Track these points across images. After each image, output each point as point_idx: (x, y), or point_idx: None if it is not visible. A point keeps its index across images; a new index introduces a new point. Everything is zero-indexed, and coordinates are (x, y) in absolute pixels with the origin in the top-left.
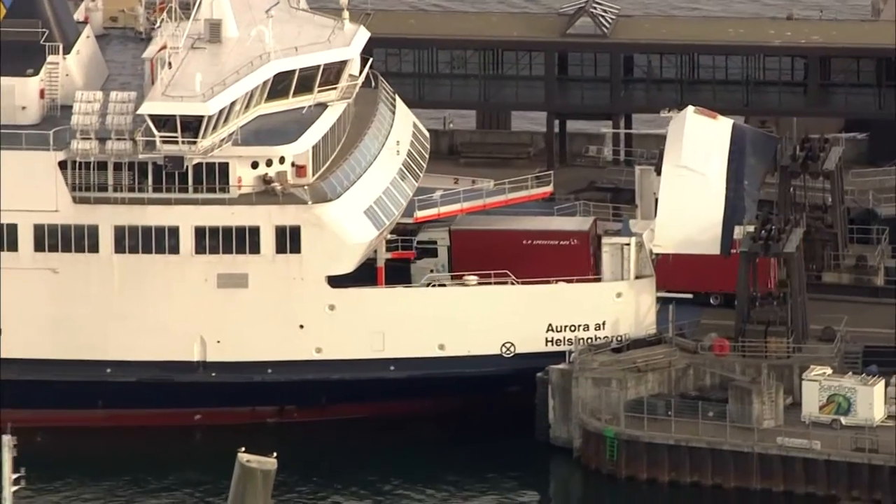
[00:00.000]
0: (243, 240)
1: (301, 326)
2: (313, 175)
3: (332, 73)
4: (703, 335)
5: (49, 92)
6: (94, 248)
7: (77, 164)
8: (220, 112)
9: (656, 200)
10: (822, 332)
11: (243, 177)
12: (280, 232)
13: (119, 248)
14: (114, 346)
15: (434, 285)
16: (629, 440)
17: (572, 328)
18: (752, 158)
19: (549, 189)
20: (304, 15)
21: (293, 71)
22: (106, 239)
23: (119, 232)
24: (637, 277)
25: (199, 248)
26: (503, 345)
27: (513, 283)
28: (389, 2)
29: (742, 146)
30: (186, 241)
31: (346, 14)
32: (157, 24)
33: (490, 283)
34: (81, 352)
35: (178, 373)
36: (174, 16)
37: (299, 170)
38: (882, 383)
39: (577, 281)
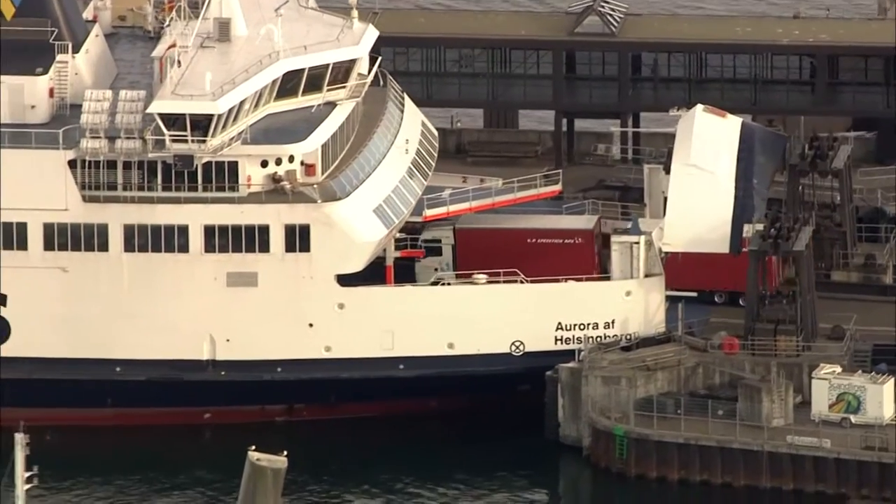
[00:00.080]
0: (253, 238)
1: (310, 325)
2: (322, 174)
3: (341, 71)
4: (713, 333)
5: (58, 91)
6: (103, 246)
7: (86, 163)
8: (230, 111)
9: (665, 199)
10: (832, 330)
11: (253, 175)
12: (289, 231)
13: (128, 246)
14: (123, 345)
15: (444, 284)
16: (639, 439)
17: (581, 327)
18: (762, 157)
19: (557, 188)
20: (312, 14)
21: (302, 70)
22: (115, 238)
23: (128, 231)
24: (646, 276)
25: (209, 247)
26: (512, 343)
27: (522, 282)
28: (396, 1)
29: (751, 145)
30: (196, 239)
31: (354, 13)
32: (167, 22)
33: (499, 282)
34: (91, 350)
35: (188, 371)
36: (183, 14)
37: (308, 168)
38: (891, 382)
39: (587, 280)
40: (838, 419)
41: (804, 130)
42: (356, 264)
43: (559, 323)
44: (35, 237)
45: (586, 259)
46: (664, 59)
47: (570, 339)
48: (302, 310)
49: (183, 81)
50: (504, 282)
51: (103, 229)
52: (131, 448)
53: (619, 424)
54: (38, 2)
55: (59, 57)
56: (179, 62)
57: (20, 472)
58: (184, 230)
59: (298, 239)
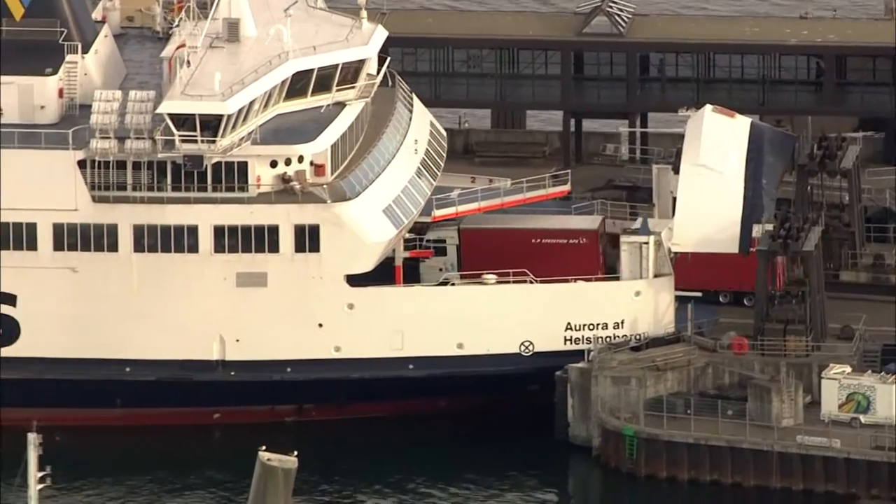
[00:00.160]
0: (262, 239)
1: (320, 325)
2: (332, 174)
3: (351, 72)
4: (722, 334)
5: (68, 91)
6: (113, 247)
7: (96, 164)
8: (240, 111)
9: (673, 199)
10: (841, 330)
11: (262, 176)
12: (299, 231)
13: (138, 247)
14: (133, 345)
15: (453, 284)
16: (648, 439)
17: (591, 327)
18: (771, 157)
19: (566, 188)
20: (321, 14)
21: (311, 70)
22: (125, 238)
23: (138, 231)
24: (656, 276)
25: (219, 247)
26: (522, 343)
27: (531, 282)
28: (403, 2)
29: (760, 145)
30: (205, 240)
31: (363, 13)
32: (176, 23)
33: (509, 282)
34: (100, 351)
35: (197, 372)
36: (192, 15)
37: (318, 169)
38: None
39: (596, 280)
40: (848, 419)
41: (811, 130)
42: (366, 264)
43: (569, 323)
44: (45, 237)
45: (591, 259)
46: (672, 59)
47: (579, 340)
48: (311, 310)
49: (192, 82)
50: (513, 282)
51: (113, 229)
52: (141, 448)
53: (628, 424)
54: (47, 2)
55: (68, 57)
56: (189, 62)
57: (33, 472)
58: (193, 230)
59: (308, 239)
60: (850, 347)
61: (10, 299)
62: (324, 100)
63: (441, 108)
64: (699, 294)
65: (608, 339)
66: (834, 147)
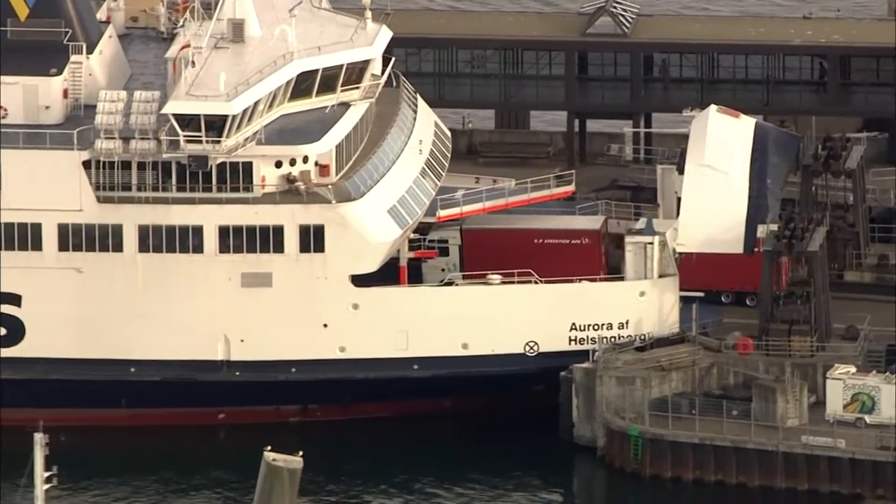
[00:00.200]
0: (267, 239)
1: (325, 325)
2: (337, 174)
3: (355, 72)
4: (727, 334)
5: (72, 91)
6: (118, 247)
7: (101, 164)
8: (244, 111)
9: (678, 199)
10: (846, 330)
11: (267, 176)
12: (304, 231)
13: (143, 247)
14: (138, 346)
15: (455, 284)
16: (653, 439)
17: (596, 327)
18: (775, 157)
19: (571, 188)
20: (326, 14)
21: (316, 70)
22: (130, 238)
23: (143, 231)
24: (660, 276)
25: (223, 248)
26: (527, 344)
27: (536, 283)
28: (406, 2)
29: (765, 145)
30: (210, 240)
31: (368, 14)
32: (181, 23)
33: (513, 283)
34: (105, 351)
35: (202, 372)
36: (197, 15)
37: (323, 169)
38: None
39: (601, 280)
40: (853, 419)
41: (815, 131)
42: (370, 265)
43: (573, 323)
44: (49, 238)
45: (593, 259)
46: (676, 59)
47: (584, 340)
48: (316, 310)
49: (197, 82)
50: (518, 282)
51: (118, 230)
52: (146, 448)
53: (633, 425)
54: (51, 2)
55: (73, 58)
56: (193, 63)
57: (39, 472)
58: (198, 231)
59: (313, 239)
60: (854, 348)
61: (15, 299)
62: (328, 100)
63: (445, 109)
64: (702, 294)
65: (613, 340)
66: (838, 147)
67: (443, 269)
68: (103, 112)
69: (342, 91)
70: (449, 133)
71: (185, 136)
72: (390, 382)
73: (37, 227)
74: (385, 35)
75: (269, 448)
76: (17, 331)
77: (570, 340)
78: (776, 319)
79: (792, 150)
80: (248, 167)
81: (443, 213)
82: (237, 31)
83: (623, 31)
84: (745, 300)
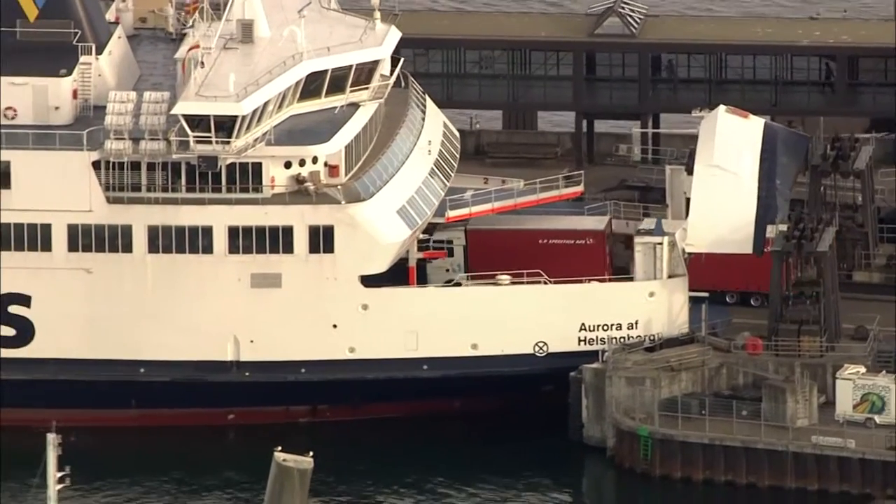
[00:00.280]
0: (276, 240)
1: (334, 326)
2: (346, 175)
3: (364, 73)
4: (736, 334)
5: (82, 92)
6: (127, 248)
7: (111, 165)
8: (254, 112)
9: (687, 200)
10: (855, 330)
11: (276, 177)
12: (313, 232)
13: (152, 247)
14: (147, 346)
15: (459, 284)
16: (663, 439)
17: (605, 327)
18: (784, 157)
19: (579, 189)
20: (335, 15)
21: (325, 71)
22: (139, 239)
23: (153, 232)
24: (669, 277)
25: (233, 248)
26: (536, 344)
27: (545, 283)
28: (411, 4)
29: (774, 145)
30: (220, 240)
31: (377, 14)
32: (190, 23)
33: (523, 283)
34: (115, 351)
35: (212, 372)
36: (206, 16)
37: (332, 170)
38: None
39: (610, 280)
40: (862, 419)
41: (822, 131)
42: (380, 265)
43: (583, 324)
44: (59, 238)
45: (598, 259)
46: (684, 60)
47: (593, 340)
48: (326, 311)
49: (207, 83)
50: (528, 283)
51: (127, 230)
52: (156, 449)
53: (643, 425)
54: (61, 3)
55: (82, 58)
56: (203, 63)
57: (52, 473)
58: (208, 231)
59: (322, 240)
60: (864, 348)
61: (25, 300)
62: (338, 101)
63: (453, 110)
64: (706, 295)
65: (622, 340)
66: (847, 148)
67: (447, 270)
68: (113, 113)
69: (351, 92)
70: (458, 134)
71: (194, 136)
72: (400, 383)
73: (46, 228)
74: (394, 36)
75: (280, 448)
76: (26, 331)
77: (580, 341)
78: (786, 320)
79: (801, 150)
80: (257, 168)
81: (452, 213)
82: (246, 31)
83: (631, 32)
84: (750, 300)
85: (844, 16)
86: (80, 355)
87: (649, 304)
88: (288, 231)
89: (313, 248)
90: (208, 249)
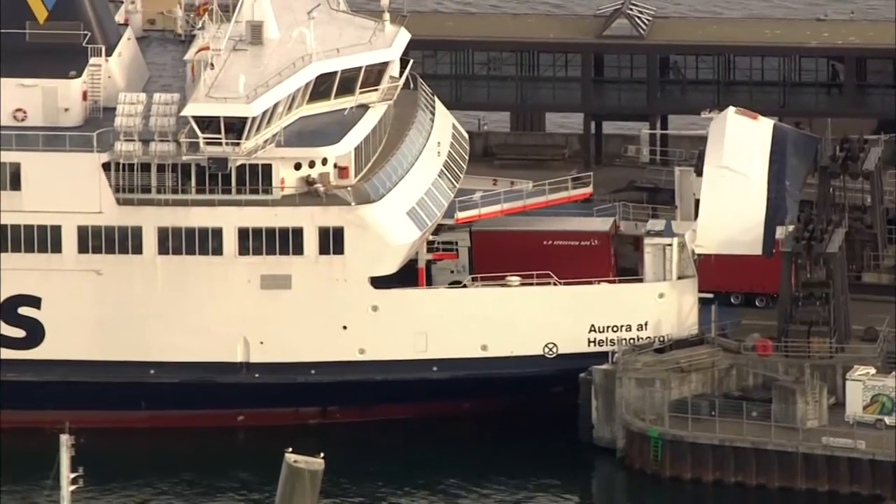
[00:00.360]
0: (286, 241)
1: (344, 327)
2: (356, 176)
3: (374, 74)
4: (746, 335)
5: (91, 94)
6: (137, 249)
7: (120, 166)
8: (264, 113)
9: (696, 201)
10: (865, 332)
11: (286, 178)
12: (323, 233)
13: (162, 249)
14: (157, 348)
15: (464, 286)
16: (673, 440)
17: (615, 329)
18: (794, 159)
19: (588, 190)
20: (344, 16)
21: (335, 72)
22: (149, 240)
23: (162, 233)
24: (679, 278)
25: (243, 250)
26: (546, 345)
27: (555, 284)
28: (418, 5)
29: (783, 147)
30: (230, 242)
31: (386, 16)
32: (199, 25)
33: (532, 284)
34: (125, 353)
35: (222, 374)
36: (215, 17)
37: (342, 171)
38: None
39: (620, 281)
40: (872, 420)
41: (830, 132)
42: (390, 266)
43: (592, 325)
44: (69, 240)
45: (603, 260)
46: (692, 61)
47: (603, 341)
48: (335, 312)
49: (216, 84)
50: (537, 284)
51: (137, 232)
52: (167, 450)
53: (653, 426)
54: (70, 5)
55: (92, 60)
56: (212, 65)
57: (65, 474)
58: (218, 233)
59: (332, 241)
60: (874, 349)
61: (35, 302)
62: (347, 102)
63: (461, 111)
64: (711, 296)
65: (632, 341)
66: (856, 149)
67: (452, 271)
68: (123, 114)
69: (361, 93)
70: (466, 135)
71: (204, 138)
72: (410, 384)
73: (56, 230)
74: (403, 37)
75: (290, 450)
76: (36, 333)
77: (590, 342)
78: (795, 321)
79: (810, 151)
80: (267, 169)
81: (461, 214)
82: (256, 33)
83: (639, 34)
84: (755, 301)
85: (852, 17)
86: (91, 357)
87: (659, 306)
88: (298, 232)
89: (323, 250)
90: (218, 251)
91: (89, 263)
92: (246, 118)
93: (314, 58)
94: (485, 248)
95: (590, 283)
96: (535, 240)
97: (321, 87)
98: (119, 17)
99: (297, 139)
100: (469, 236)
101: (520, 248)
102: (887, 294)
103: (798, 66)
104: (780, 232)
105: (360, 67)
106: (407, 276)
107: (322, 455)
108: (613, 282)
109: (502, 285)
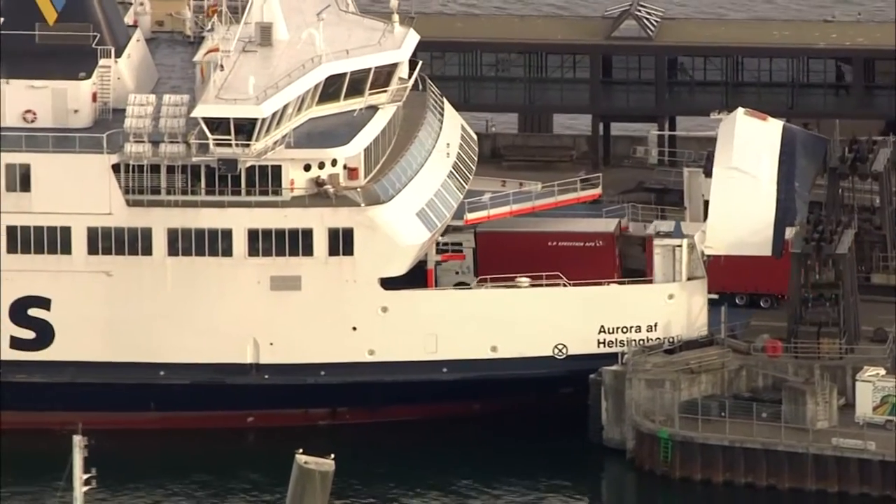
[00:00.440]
0: (296, 242)
1: (354, 328)
2: (365, 177)
3: (383, 75)
4: (755, 336)
5: (101, 95)
6: (147, 250)
7: (130, 167)
8: (274, 115)
9: (705, 202)
10: (875, 333)
11: (296, 179)
12: (333, 234)
13: (172, 250)
14: (167, 349)
15: (468, 287)
16: (683, 441)
17: (624, 330)
18: (803, 160)
19: (597, 191)
20: (353, 18)
21: (344, 74)
22: (159, 241)
23: (172, 234)
24: (689, 279)
25: (252, 251)
26: (555, 346)
27: (565, 285)
28: (424, 7)
29: (792, 147)
30: (239, 243)
31: (395, 17)
32: (209, 26)
33: (542, 285)
34: (134, 354)
35: (231, 375)
36: (225, 19)
37: (351, 172)
38: None
39: (629, 283)
40: (882, 421)
41: (838, 133)
42: (399, 268)
43: (602, 326)
44: (79, 241)
45: (607, 262)
46: (700, 63)
47: (613, 343)
48: (345, 313)
49: (226, 85)
50: (547, 285)
51: (147, 233)
52: (177, 452)
53: (663, 427)
54: (80, 6)
55: (101, 61)
56: (222, 66)
57: (78, 475)
58: (227, 234)
59: (342, 242)
60: (883, 350)
61: (45, 303)
62: (357, 103)
63: (469, 113)
64: (716, 297)
65: (642, 342)
66: (865, 150)
67: (456, 272)
68: (132, 116)
69: (370, 94)
70: (475, 136)
71: (214, 139)
72: (419, 385)
73: (66, 231)
74: (412, 38)
75: (301, 451)
76: (46, 334)
77: (599, 343)
78: (805, 322)
79: (819, 152)
80: (277, 170)
81: (470, 216)
82: (265, 34)
83: (647, 35)
84: (759, 302)
85: (859, 19)
86: (100, 358)
87: (669, 307)
88: (307, 234)
89: (333, 251)
90: (228, 252)
91: (99, 265)
92: (256, 119)
93: (324, 59)
94: (489, 250)
95: (599, 284)
96: (539, 241)
97: (331, 89)
98: (128, 19)
99: (307, 140)
100: (474, 238)
101: (524, 249)
102: None
103: (806, 68)
104: (790, 233)
105: (370, 69)
106: (416, 277)
107: (332, 456)
108: (623, 283)
109: (512, 286)
